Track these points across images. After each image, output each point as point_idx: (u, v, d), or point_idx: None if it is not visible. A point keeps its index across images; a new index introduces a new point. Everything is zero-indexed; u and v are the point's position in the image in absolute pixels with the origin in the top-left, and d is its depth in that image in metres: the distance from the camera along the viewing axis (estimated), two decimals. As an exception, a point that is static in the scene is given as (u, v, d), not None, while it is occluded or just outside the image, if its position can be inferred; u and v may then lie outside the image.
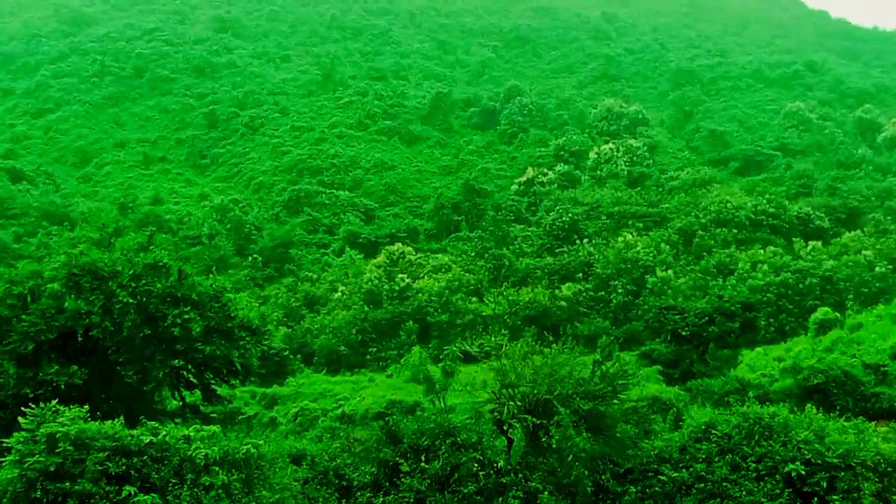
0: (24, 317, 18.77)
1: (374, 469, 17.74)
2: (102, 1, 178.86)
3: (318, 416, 38.14)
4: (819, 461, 17.00)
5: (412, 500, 17.29)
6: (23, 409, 14.23)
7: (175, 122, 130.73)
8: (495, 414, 17.96)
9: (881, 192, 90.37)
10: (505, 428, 18.06)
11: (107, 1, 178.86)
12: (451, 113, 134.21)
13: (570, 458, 17.29)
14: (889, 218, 77.29)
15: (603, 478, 17.55)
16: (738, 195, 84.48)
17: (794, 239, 71.05)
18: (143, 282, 19.17)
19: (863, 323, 40.32)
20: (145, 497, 13.71)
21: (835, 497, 16.76)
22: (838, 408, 22.01)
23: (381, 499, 17.33)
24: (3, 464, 13.53)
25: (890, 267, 62.15)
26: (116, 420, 14.57)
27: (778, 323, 56.30)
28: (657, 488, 17.47)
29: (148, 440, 14.53)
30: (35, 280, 19.35)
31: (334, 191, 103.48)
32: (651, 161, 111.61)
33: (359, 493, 17.63)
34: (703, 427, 17.75)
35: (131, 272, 19.06)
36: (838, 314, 45.72)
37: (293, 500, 16.28)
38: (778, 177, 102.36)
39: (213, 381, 24.01)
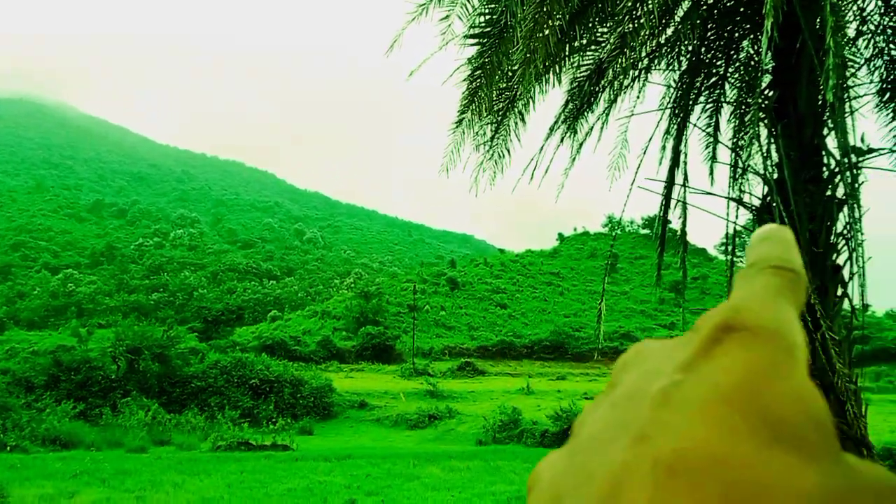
0: None
1: (46, 377, 35.43)
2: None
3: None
4: (266, 377, 37.12)
5: (65, 395, 35.22)
6: None
7: None
8: (112, 352, 36.27)
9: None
10: (118, 359, 36.42)
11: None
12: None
13: (148, 374, 36.06)
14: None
15: (165, 384, 36.58)
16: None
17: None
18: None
19: (291, 317, 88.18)
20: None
21: (272, 394, 36.98)
22: (283, 353, 43.31)
23: (49, 392, 35.11)
24: None
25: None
26: None
27: (254, 316, 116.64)
28: (190, 389, 36.80)
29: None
30: None
31: None
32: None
33: (37, 390, 35.30)
34: (214, 361, 37.29)
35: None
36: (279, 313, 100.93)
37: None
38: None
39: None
